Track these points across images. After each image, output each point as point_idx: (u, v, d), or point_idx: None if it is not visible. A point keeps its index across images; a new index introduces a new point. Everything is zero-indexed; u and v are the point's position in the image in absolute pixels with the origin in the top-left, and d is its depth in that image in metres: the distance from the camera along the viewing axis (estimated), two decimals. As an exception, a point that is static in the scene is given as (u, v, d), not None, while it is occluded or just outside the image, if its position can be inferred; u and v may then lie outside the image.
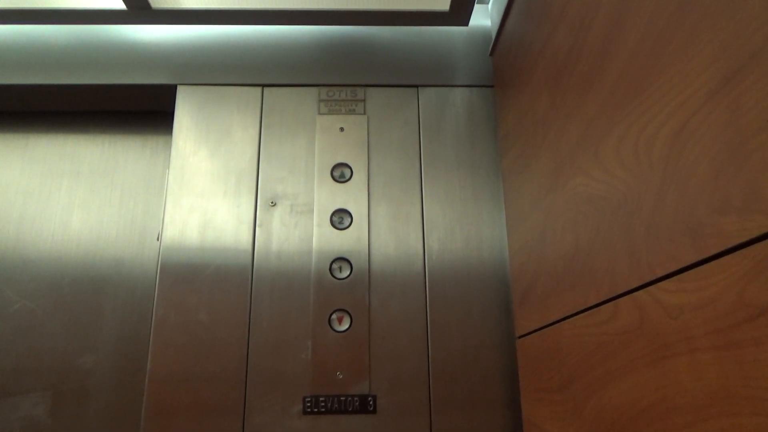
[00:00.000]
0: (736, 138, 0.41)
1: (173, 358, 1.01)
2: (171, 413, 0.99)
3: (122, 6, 1.10)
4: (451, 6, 1.12)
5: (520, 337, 0.98)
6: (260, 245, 1.09)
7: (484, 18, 1.28)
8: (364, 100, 1.20)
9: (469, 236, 1.11)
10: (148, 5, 1.10)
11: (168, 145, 1.27)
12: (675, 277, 0.49)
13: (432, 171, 1.15)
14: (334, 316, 1.05)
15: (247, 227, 1.10)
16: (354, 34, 1.26)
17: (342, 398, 1.00)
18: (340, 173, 1.14)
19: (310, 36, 1.25)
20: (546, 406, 0.84)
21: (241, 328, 1.04)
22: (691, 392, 0.47)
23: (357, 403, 1.00)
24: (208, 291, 1.06)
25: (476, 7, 1.28)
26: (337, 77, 1.21)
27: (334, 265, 1.08)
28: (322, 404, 1.00)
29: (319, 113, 1.19)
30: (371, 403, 1.00)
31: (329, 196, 1.12)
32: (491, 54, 1.23)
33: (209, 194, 1.12)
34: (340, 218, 1.11)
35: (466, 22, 1.18)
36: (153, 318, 1.04)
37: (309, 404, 1.00)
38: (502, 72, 1.13)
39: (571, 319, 0.74)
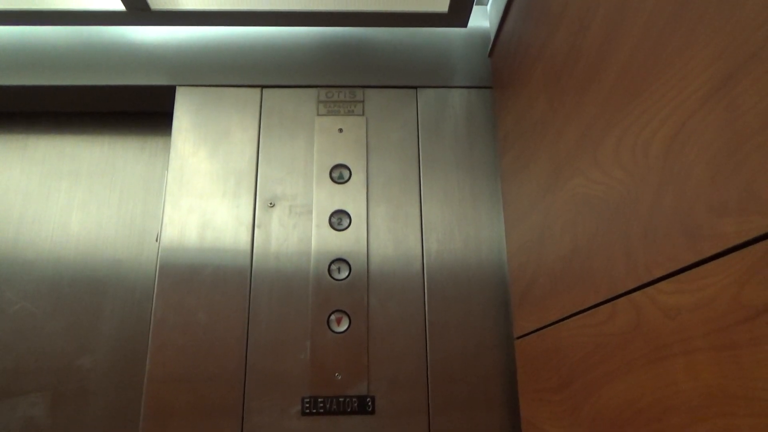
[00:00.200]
0: (733, 139, 0.41)
1: (172, 359, 1.01)
2: (170, 414, 0.99)
3: (121, 7, 1.10)
4: (450, 7, 1.13)
5: (518, 337, 0.98)
6: (259, 246, 1.09)
7: (482, 19, 1.28)
8: (363, 101, 1.20)
9: (467, 237, 1.11)
10: (147, 6, 1.10)
11: (167, 146, 1.27)
12: (672, 278, 0.49)
13: (431, 172, 1.15)
14: (332, 317, 1.05)
15: (246, 228, 1.10)
16: (353, 35, 1.26)
17: (341, 399, 1.00)
18: (339, 174, 1.14)
19: (309, 37, 1.25)
20: (545, 406, 0.84)
21: (240, 328, 1.04)
22: (688, 393, 0.47)
23: (355, 404, 1.00)
24: (206, 292, 1.06)
25: (475, 8, 1.28)
26: (336, 78, 1.22)
27: (333, 266, 1.08)
28: (321, 405, 1.00)
29: (318, 114, 1.19)
30: (370, 403, 1.00)
31: (328, 197, 1.12)
32: (490, 55, 1.23)
33: (208, 195, 1.12)
34: (338, 219, 1.11)
35: (465, 24, 1.19)
36: (152, 318, 1.04)
37: (308, 405, 1.00)
38: (500, 73, 1.13)
39: (570, 319, 0.74)
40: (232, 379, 1.01)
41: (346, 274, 1.08)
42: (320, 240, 1.09)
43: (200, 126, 1.17)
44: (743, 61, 0.40)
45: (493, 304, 1.07)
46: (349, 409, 1.00)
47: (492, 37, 1.20)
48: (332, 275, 1.07)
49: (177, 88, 1.20)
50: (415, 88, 1.22)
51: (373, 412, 1.00)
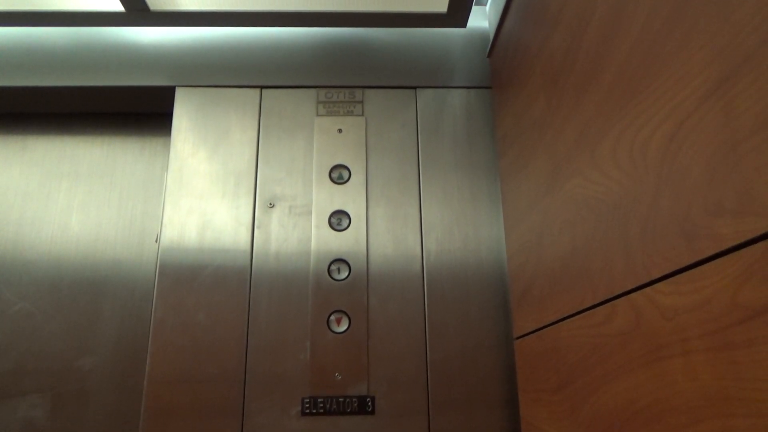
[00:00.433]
0: (730, 141, 0.42)
1: (172, 359, 1.02)
2: (170, 414, 0.99)
3: (120, 8, 1.10)
4: (449, 8, 1.13)
5: (517, 337, 0.98)
6: (259, 246, 1.09)
7: (482, 20, 1.28)
8: (362, 102, 1.20)
9: (467, 237, 1.11)
10: (147, 7, 1.10)
11: (166, 147, 1.28)
12: (670, 279, 0.50)
13: (430, 172, 1.15)
14: (332, 317, 1.05)
15: (245, 228, 1.10)
16: (352, 35, 1.26)
17: (340, 399, 1.01)
18: (339, 175, 1.14)
19: (308, 38, 1.25)
20: (544, 406, 0.85)
21: (240, 329, 1.04)
22: (686, 393, 0.47)
23: (355, 404, 1.00)
24: (206, 292, 1.06)
25: (474, 8, 1.29)
26: (336, 79, 1.22)
27: (333, 267, 1.08)
28: (321, 405, 1.00)
29: (318, 115, 1.19)
30: (370, 403, 1.01)
31: (327, 198, 1.12)
32: (489, 55, 1.23)
33: (208, 196, 1.12)
34: (338, 219, 1.11)
35: (464, 24, 1.19)
36: (152, 319, 1.04)
37: (307, 405, 1.00)
38: (499, 73, 1.14)
39: (568, 320, 0.74)
40: (232, 379, 1.01)
41: (346, 274, 1.08)
42: (320, 240, 1.09)
43: (200, 126, 1.17)
44: (740, 62, 0.40)
45: (493, 304, 1.07)
46: (349, 409, 1.00)
47: (491, 38, 1.20)
48: (332, 275, 1.08)
49: (176, 88, 1.20)
50: (415, 88, 1.22)
51: (373, 412, 1.00)
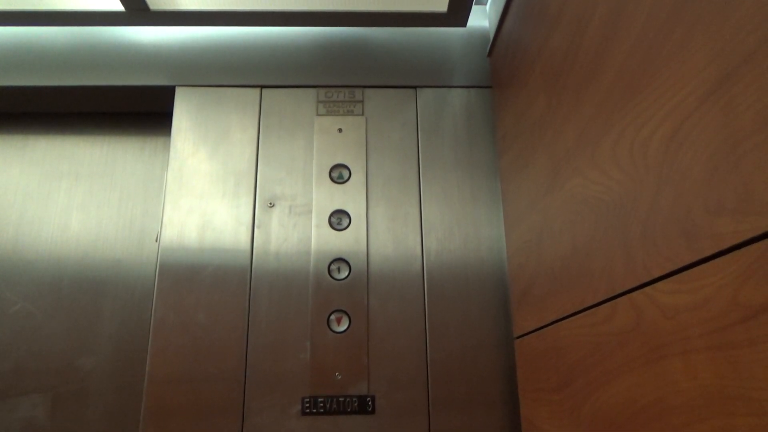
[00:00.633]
0: (730, 140, 0.42)
1: (172, 359, 1.02)
2: (170, 414, 0.99)
3: (120, 8, 1.10)
4: (449, 7, 1.13)
5: (518, 337, 0.98)
6: (259, 246, 1.09)
7: (482, 19, 1.28)
8: (362, 101, 1.20)
9: (467, 237, 1.11)
10: (147, 7, 1.10)
11: (166, 147, 1.28)
12: (670, 278, 0.50)
13: (430, 172, 1.15)
14: (332, 317, 1.05)
15: (245, 228, 1.10)
16: (352, 35, 1.26)
17: (341, 399, 1.01)
18: (339, 174, 1.14)
19: (308, 37, 1.25)
20: (544, 406, 0.85)
21: (240, 328, 1.04)
22: (686, 392, 0.47)
23: (356, 404, 1.00)
24: (206, 292, 1.06)
25: (474, 8, 1.28)
26: (336, 78, 1.22)
27: (333, 266, 1.08)
28: (321, 405, 1.00)
29: (318, 114, 1.19)
30: (370, 403, 1.01)
31: (328, 197, 1.12)
32: (489, 55, 1.23)
33: (208, 195, 1.12)
34: (338, 219, 1.11)
35: (464, 23, 1.19)
36: (152, 319, 1.04)
37: (308, 405, 1.00)
38: (499, 73, 1.14)
39: (569, 319, 0.74)
40: (232, 379, 1.01)
41: (346, 273, 1.08)
42: (320, 240, 1.09)
43: (200, 126, 1.17)
44: (740, 62, 0.40)
45: (493, 303, 1.07)
46: (349, 409, 1.00)
47: (491, 37, 1.20)
48: (332, 275, 1.08)
49: (176, 88, 1.20)
50: (415, 87, 1.22)
51: (373, 412, 1.00)
